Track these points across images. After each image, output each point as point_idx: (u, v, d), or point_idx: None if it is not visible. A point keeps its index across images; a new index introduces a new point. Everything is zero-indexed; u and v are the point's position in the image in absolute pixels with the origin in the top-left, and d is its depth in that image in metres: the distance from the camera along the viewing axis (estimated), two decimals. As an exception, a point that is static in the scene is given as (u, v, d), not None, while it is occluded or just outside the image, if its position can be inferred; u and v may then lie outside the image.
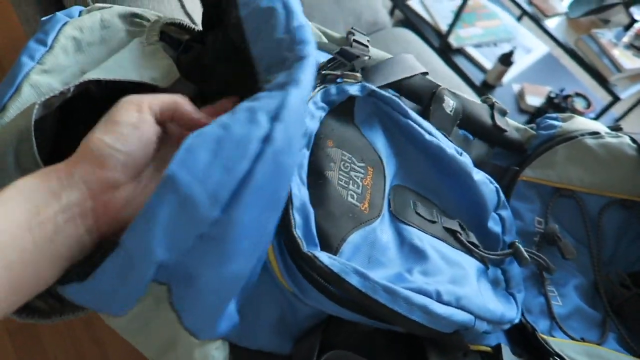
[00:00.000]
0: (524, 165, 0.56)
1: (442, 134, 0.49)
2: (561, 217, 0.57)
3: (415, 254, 0.40)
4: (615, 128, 0.60)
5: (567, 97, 1.65)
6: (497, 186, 0.51)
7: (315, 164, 0.38)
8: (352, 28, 0.55)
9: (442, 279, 0.39)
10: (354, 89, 0.43)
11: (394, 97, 0.45)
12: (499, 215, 0.51)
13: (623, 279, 0.55)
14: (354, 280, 0.33)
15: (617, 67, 1.39)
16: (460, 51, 1.80)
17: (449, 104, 0.52)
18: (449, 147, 0.47)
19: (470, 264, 0.44)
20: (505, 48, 1.62)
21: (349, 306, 0.35)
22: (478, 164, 0.56)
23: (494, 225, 0.50)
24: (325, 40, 0.55)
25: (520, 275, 0.49)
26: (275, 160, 0.25)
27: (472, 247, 0.46)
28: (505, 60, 1.64)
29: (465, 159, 0.48)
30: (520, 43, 1.84)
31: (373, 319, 0.36)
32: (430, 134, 0.46)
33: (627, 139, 0.56)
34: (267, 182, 0.25)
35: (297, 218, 0.34)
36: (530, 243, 0.55)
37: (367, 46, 0.52)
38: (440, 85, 0.54)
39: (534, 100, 1.68)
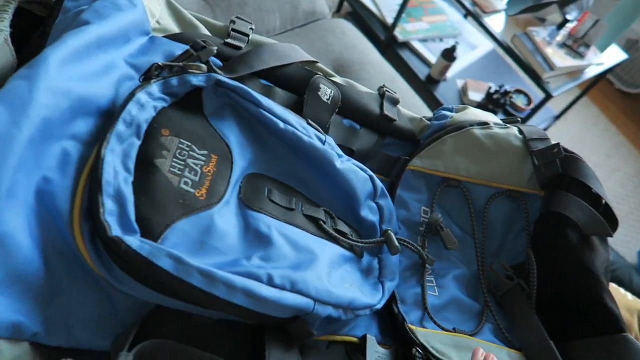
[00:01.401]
0: (413, 155, 0.56)
1: (309, 123, 0.48)
2: (448, 207, 0.57)
3: (259, 240, 0.40)
4: (511, 121, 0.60)
5: (506, 93, 1.68)
6: (371, 174, 0.50)
7: (145, 152, 0.38)
8: (236, 16, 0.54)
9: (283, 264, 0.39)
10: (197, 80, 0.42)
11: (243, 87, 0.44)
12: (377, 203, 0.50)
13: (506, 270, 0.55)
14: (165, 264, 0.32)
15: (550, 65, 1.41)
16: (406, 45, 1.80)
17: (325, 92, 0.51)
18: (308, 135, 0.46)
19: (328, 251, 0.43)
20: (450, 44, 1.63)
21: (166, 292, 0.34)
22: (366, 154, 0.56)
23: (369, 214, 0.49)
24: (205, 31, 0.53)
25: (395, 265, 0.49)
26: None
27: (337, 235, 0.45)
28: (448, 55, 1.65)
29: (327, 148, 0.47)
30: (466, 39, 1.86)
31: (193, 304, 0.35)
32: (285, 122, 0.45)
33: (514, 130, 0.56)
34: None
35: (108, 204, 0.34)
36: (416, 233, 0.55)
37: (247, 35, 0.52)
38: (317, 74, 0.52)
39: (476, 95, 1.71)
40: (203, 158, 0.41)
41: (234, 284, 0.34)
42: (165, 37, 0.47)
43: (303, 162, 0.47)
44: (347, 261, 0.45)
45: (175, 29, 0.50)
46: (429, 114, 0.78)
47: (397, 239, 0.47)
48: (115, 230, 0.33)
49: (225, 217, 0.39)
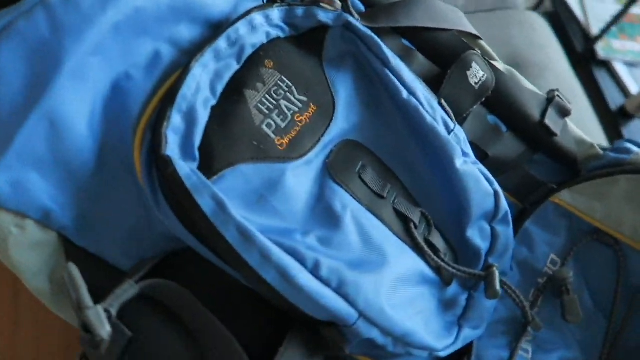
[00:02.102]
0: (565, 185, 0.43)
1: (441, 104, 0.39)
2: (587, 268, 0.43)
3: (327, 218, 0.34)
4: None
5: None
6: (498, 190, 0.39)
7: (238, 79, 0.34)
8: None
9: (341, 256, 0.32)
10: (325, 16, 0.37)
11: (375, 38, 0.38)
12: (493, 228, 0.39)
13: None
14: (205, 203, 0.28)
15: None
16: (606, 65, 1.52)
17: (477, 73, 0.41)
18: (433, 116, 0.38)
19: (405, 262, 0.35)
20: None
21: (197, 236, 0.31)
22: (503, 165, 0.45)
23: (477, 237, 0.39)
24: None
25: (487, 311, 0.38)
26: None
27: (425, 247, 0.36)
28: (658, 89, 1.35)
29: (451, 139, 0.38)
30: (688, 77, 1.51)
31: (223, 261, 0.31)
32: (410, 92, 0.37)
33: None
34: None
35: (175, 119, 0.31)
36: (531, 283, 0.43)
37: None
38: (474, 50, 0.42)
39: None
40: (299, 105, 0.36)
41: (270, 255, 0.29)
42: None
43: (417, 147, 0.39)
44: (426, 283, 0.36)
45: None
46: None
47: (501, 281, 0.37)
48: (171, 149, 0.30)
49: (299, 178, 0.34)
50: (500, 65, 0.46)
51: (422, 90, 0.39)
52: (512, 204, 0.44)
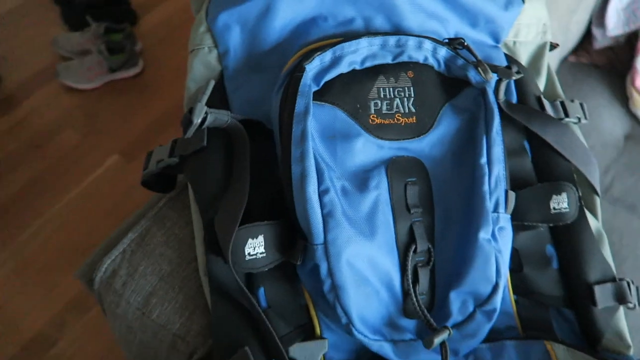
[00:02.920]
0: (566, 343, 0.42)
1: (506, 192, 0.42)
2: None
3: (360, 183, 0.40)
4: None
5: None
6: (500, 285, 0.40)
7: (383, 67, 0.43)
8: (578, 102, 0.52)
9: (345, 205, 0.39)
10: (474, 76, 0.44)
11: (494, 112, 0.43)
12: (474, 310, 0.40)
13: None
14: (299, 103, 0.39)
15: None
16: None
17: (561, 203, 0.44)
18: (491, 190, 0.41)
19: (384, 260, 0.39)
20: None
21: (280, 120, 0.41)
22: (532, 293, 0.46)
23: (455, 305, 0.40)
24: None
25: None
26: None
27: (408, 268, 0.39)
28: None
29: (491, 217, 0.40)
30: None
31: (280, 142, 0.42)
32: (488, 163, 0.41)
33: None
34: None
35: (327, 55, 0.41)
36: None
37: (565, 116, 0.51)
38: (576, 188, 0.45)
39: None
40: (406, 110, 0.43)
41: (305, 159, 0.38)
42: (507, 55, 0.51)
43: (463, 204, 0.42)
44: (389, 292, 0.40)
45: (522, 59, 0.52)
46: None
47: (443, 343, 0.37)
48: (310, 68, 0.40)
49: (366, 147, 0.42)
50: (593, 222, 0.47)
51: (498, 168, 0.42)
52: (515, 327, 0.45)
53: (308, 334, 0.41)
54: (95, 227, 1.25)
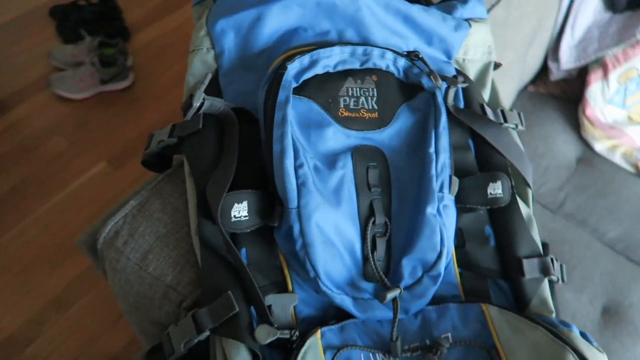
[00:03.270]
0: (500, 305, 0.49)
1: (450, 177, 0.50)
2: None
3: (330, 162, 0.48)
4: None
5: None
6: (444, 253, 0.47)
7: (352, 71, 0.51)
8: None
9: (316, 179, 0.46)
10: (426, 83, 0.52)
11: (442, 111, 0.51)
12: (422, 275, 0.47)
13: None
14: (281, 95, 0.47)
15: None
16: None
17: (497, 190, 0.52)
18: (438, 174, 0.48)
19: (347, 228, 0.46)
20: None
21: (264, 108, 0.48)
22: (472, 266, 0.53)
23: (406, 269, 0.47)
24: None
25: (373, 314, 0.46)
26: None
27: (367, 236, 0.46)
28: None
29: (437, 196, 0.48)
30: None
31: (264, 125, 0.49)
32: (436, 152, 0.49)
33: None
34: None
35: (305, 58, 0.49)
36: (421, 337, 0.48)
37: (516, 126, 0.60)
38: (510, 179, 0.53)
39: None
40: (370, 107, 0.51)
41: (284, 138, 0.45)
42: (456, 69, 0.60)
43: (414, 186, 0.49)
44: (350, 256, 0.46)
45: (470, 74, 0.61)
46: None
47: (395, 298, 0.44)
48: (291, 68, 0.48)
49: (335, 135, 0.49)
50: (525, 209, 0.55)
51: (444, 157, 0.50)
52: (459, 295, 0.52)
53: (281, 289, 0.47)
54: (78, 230, 1.29)
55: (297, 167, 0.45)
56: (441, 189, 0.48)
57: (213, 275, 0.45)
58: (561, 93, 1.17)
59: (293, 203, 0.44)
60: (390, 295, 0.43)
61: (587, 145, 1.10)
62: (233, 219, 0.45)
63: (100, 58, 1.52)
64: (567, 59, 1.11)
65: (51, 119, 1.49)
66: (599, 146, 1.08)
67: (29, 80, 1.55)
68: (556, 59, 1.13)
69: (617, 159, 1.06)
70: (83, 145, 1.45)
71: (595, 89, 1.08)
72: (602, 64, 1.07)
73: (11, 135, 1.44)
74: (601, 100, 1.08)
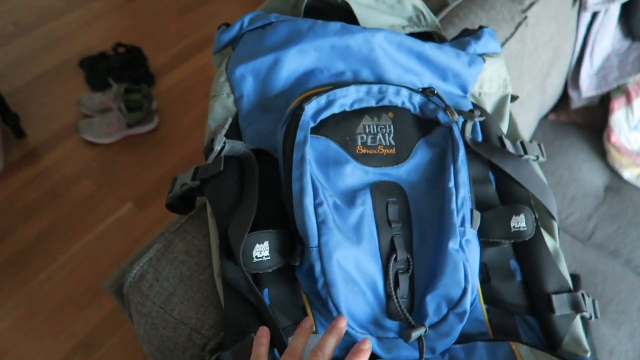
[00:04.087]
0: (530, 344, 0.47)
1: (472, 211, 0.49)
2: None
3: (349, 199, 0.48)
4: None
5: None
6: (468, 289, 0.46)
7: (368, 109, 0.52)
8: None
9: (336, 218, 0.46)
10: (442, 117, 0.53)
11: (460, 145, 0.51)
12: (447, 312, 0.46)
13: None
14: (299, 135, 0.48)
15: None
16: None
17: (520, 223, 0.51)
18: (458, 208, 0.48)
19: (369, 265, 0.46)
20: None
21: (283, 148, 0.49)
22: (499, 302, 0.52)
23: (431, 307, 0.46)
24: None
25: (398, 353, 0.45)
26: None
27: (390, 273, 0.46)
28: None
29: (458, 230, 0.47)
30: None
31: (283, 166, 0.49)
32: (455, 186, 0.49)
33: None
34: None
35: (322, 99, 0.50)
36: None
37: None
38: (533, 212, 0.52)
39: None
40: (387, 143, 0.52)
41: (303, 177, 0.46)
42: (473, 103, 0.60)
43: (435, 221, 0.49)
44: (372, 293, 0.46)
45: (487, 107, 0.61)
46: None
47: (420, 337, 0.43)
48: (309, 108, 0.49)
49: (354, 172, 0.50)
50: (551, 242, 0.54)
51: (464, 190, 0.49)
52: (486, 333, 0.50)
53: None
54: (106, 271, 1.31)
55: (317, 206, 0.45)
56: (462, 224, 0.48)
57: (236, 317, 0.45)
58: (583, 121, 1.15)
59: (314, 242, 0.44)
60: (415, 334, 0.42)
61: (614, 173, 1.08)
62: (255, 260, 0.45)
63: (127, 104, 1.57)
64: (588, 87, 1.10)
65: (79, 164, 1.53)
66: (627, 174, 1.05)
67: (58, 128, 1.61)
68: (576, 87, 1.12)
69: (647, 186, 1.03)
70: (110, 187, 1.49)
71: (619, 116, 1.06)
72: (624, 91, 1.06)
73: (41, 181, 1.49)
74: (626, 128, 1.06)
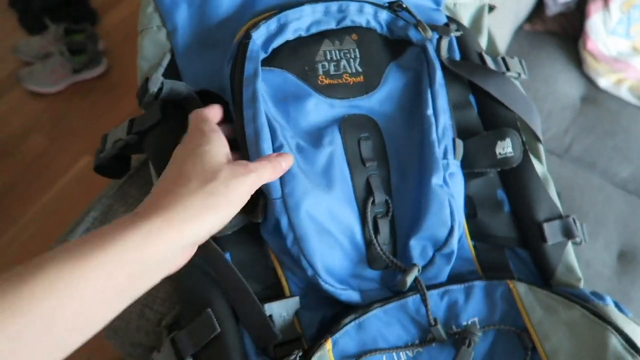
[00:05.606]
0: (527, 281, 0.44)
1: (454, 140, 0.44)
2: (495, 351, 0.43)
3: (314, 139, 0.42)
4: None
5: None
6: (455, 228, 0.42)
7: (328, 32, 0.45)
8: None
9: (301, 160, 0.41)
10: (414, 35, 0.46)
11: (436, 66, 0.45)
12: (434, 255, 0.42)
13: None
14: (248, 67, 0.41)
15: None
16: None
17: (506, 148, 0.46)
18: (439, 139, 0.43)
19: (344, 210, 0.41)
20: None
21: (231, 85, 0.43)
22: (487, 237, 0.48)
23: (416, 250, 0.42)
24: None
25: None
26: None
27: (368, 218, 0.41)
28: None
29: (441, 163, 0.42)
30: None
31: (234, 105, 0.43)
32: (435, 114, 0.43)
33: None
34: None
35: (272, 22, 0.43)
36: (447, 324, 0.43)
37: (518, 75, 0.53)
38: (520, 134, 0.47)
39: None
40: (353, 70, 0.45)
41: (257, 118, 0.39)
42: (447, 17, 0.52)
43: (415, 154, 0.44)
44: (351, 242, 0.42)
45: (463, 21, 0.54)
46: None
47: (416, 278, 0.39)
48: (257, 36, 0.42)
49: (318, 107, 0.43)
50: (539, 166, 0.49)
51: (444, 118, 0.44)
52: (475, 271, 0.47)
53: (277, 293, 0.42)
54: (71, 229, 1.25)
55: (276, 150, 0.39)
56: (445, 155, 0.43)
57: (192, 290, 0.40)
58: (560, 29, 1.09)
59: (276, 193, 0.39)
60: (409, 278, 0.38)
61: (590, 82, 1.04)
62: None
63: (69, 46, 1.43)
64: (564, -9, 1.02)
65: (27, 118, 1.42)
66: (604, 82, 1.01)
67: (-3, 80, 1.48)
68: (551, -8, 1.04)
69: (624, 93, 1.00)
70: (64, 140, 1.39)
71: (596, 20, 1.00)
72: (601, -8, 0.99)
73: (-13, 140, 1.38)
74: (603, 32, 1.01)
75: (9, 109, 1.44)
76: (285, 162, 0.38)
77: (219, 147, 0.35)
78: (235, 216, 0.39)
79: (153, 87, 0.42)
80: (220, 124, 0.40)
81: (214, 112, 0.40)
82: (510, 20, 0.99)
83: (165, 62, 0.45)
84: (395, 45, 0.47)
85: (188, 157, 0.34)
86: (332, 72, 0.44)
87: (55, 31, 1.45)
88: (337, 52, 0.44)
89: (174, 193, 0.31)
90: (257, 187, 0.35)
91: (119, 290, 0.28)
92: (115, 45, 1.58)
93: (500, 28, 0.92)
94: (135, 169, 0.50)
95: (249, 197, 0.35)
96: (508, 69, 0.51)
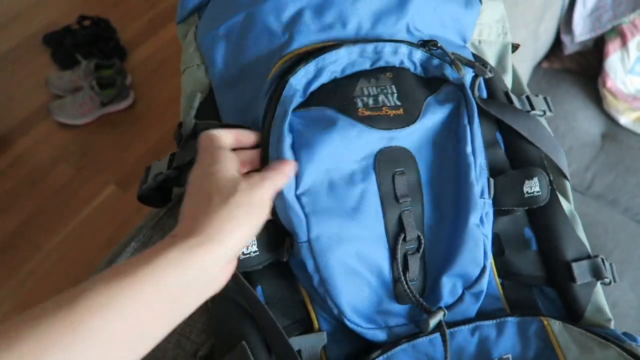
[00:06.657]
0: (561, 319, 0.44)
1: (488, 180, 0.45)
2: None
3: (347, 176, 0.41)
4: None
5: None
6: (487, 267, 0.43)
7: (362, 73, 0.44)
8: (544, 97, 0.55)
9: (328, 201, 0.40)
10: (451, 74, 0.45)
11: (474, 104, 0.45)
12: (463, 292, 0.43)
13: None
14: (279, 110, 0.41)
15: None
16: None
17: (534, 187, 0.46)
18: (478, 178, 0.43)
19: (373, 251, 0.41)
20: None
21: (263, 121, 0.43)
22: (514, 275, 0.48)
23: (446, 287, 0.42)
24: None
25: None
26: None
27: (398, 256, 0.41)
28: None
29: (479, 203, 0.42)
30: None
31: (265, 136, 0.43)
32: (473, 153, 0.43)
33: None
34: None
35: (310, 67, 0.42)
36: None
37: (543, 113, 0.54)
38: (547, 173, 0.48)
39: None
40: (392, 103, 0.44)
41: (284, 155, 0.40)
42: (474, 54, 0.53)
43: (452, 192, 0.44)
44: (378, 279, 0.42)
45: (487, 58, 0.55)
46: None
47: (440, 322, 0.39)
48: (295, 81, 0.42)
49: (361, 137, 0.43)
50: (566, 205, 0.50)
51: (481, 157, 0.44)
52: (503, 309, 0.47)
53: (306, 327, 0.43)
54: (94, 258, 1.26)
55: (301, 196, 0.39)
56: (482, 195, 0.43)
57: (225, 323, 0.41)
58: (578, 67, 1.11)
59: (302, 237, 0.39)
60: (433, 321, 0.38)
61: (610, 119, 1.04)
62: (242, 256, 0.40)
63: (98, 81, 1.49)
64: (581, 30, 1.04)
65: (55, 148, 1.47)
66: (624, 119, 1.02)
67: (29, 111, 1.53)
68: (569, 31, 1.06)
69: (644, 131, 1.00)
70: (90, 170, 1.43)
71: (614, 60, 1.02)
72: (619, 33, 1.01)
73: (17, 169, 1.42)
74: (622, 71, 1.02)
75: (39, 139, 1.48)
76: (287, 168, 0.39)
77: (227, 163, 0.36)
78: (264, 252, 0.41)
79: (185, 132, 0.43)
80: (249, 148, 0.42)
81: (225, 134, 0.40)
82: (529, 57, 1.00)
83: (195, 104, 0.46)
84: (429, 83, 0.47)
85: (202, 177, 0.36)
86: (371, 105, 0.44)
87: (86, 66, 1.52)
88: (374, 88, 0.44)
89: (201, 211, 0.33)
90: (275, 192, 0.37)
91: (168, 303, 0.29)
92: (141, 80, 1.64)
93: (519, 66, 0.94)
94: (177, 198, 0.52)
95: (271, 202, 0.36)
96: (533, 108, 0.52)
